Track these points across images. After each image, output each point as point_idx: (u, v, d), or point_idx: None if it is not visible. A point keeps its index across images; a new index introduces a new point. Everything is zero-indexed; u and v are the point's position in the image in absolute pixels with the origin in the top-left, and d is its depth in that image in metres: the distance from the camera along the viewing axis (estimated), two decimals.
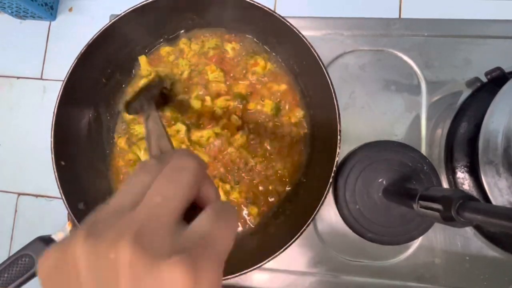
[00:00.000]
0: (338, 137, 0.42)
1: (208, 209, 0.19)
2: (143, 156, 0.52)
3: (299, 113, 0.52)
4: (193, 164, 0.20)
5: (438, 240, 0.49)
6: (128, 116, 0.55)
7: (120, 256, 0.16)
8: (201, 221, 0.19)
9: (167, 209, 0.18)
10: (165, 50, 0.55)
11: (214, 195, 0.21)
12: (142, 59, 0.55)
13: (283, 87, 0.53)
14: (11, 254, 0.44)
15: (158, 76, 0.54)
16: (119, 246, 0.16)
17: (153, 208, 0.18)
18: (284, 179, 0.52)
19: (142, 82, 0.54)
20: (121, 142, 0.54)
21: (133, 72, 0.56)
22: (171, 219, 0.18)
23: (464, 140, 0.46)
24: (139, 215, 0.17)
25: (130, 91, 0.55)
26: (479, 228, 0.47)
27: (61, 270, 0.17)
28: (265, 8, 0.45)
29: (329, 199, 0.46)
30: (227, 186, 0.51)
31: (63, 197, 0.44)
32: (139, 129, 0.54)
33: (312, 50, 0.44)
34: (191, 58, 0.55)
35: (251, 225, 0.51)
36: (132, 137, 0.54)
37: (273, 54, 0.54)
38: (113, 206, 0.19)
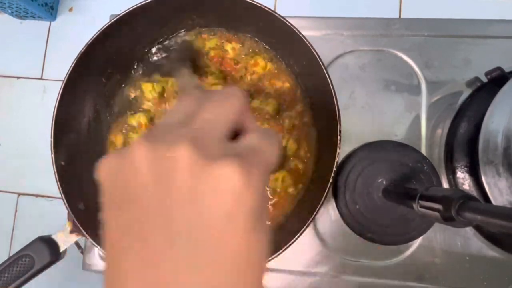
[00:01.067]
0: (338, 137, 0.42)
1: (254, 130, 0.21)
2: None
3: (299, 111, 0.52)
4: (239, 93, 0.22)
5: (438, 240, 0.49)
6: (130, 121, 0.55)
7: (178, 155, 0.17)
8: (249, 137, 0.20)
9: (218, 123, 0.20)
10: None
11: (255, 126, 0.22)
12: (147, 87, 0.55)
13: (287, 84, 0.53)
14: (11, 254, 0.44)
15: (188, 45, 0.54)
16: (177, 147, 0.17)
17: (205, 122, 0.19)
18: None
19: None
20: (117, 140, 0.54)
21: (133, 72, 0.56)
22: (222, 131, 0.19)
23: (464, 140, 0.46)
24: (194, 126, 0.19)
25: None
26: (479, 228, 0.47)
27: (121, 171, 0.18)
28: (265, 8, 0.45)
29: (329, 199, 0.46)
30: None
31: (63, 197, 0.44)
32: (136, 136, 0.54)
33: (312, 50, 0.44)
34: None
35: None
36: (128, 144, 0.54)
37: (274, 54, 0.54)
38: (166, 122, 0.20)
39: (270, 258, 0.41)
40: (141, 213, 0.17)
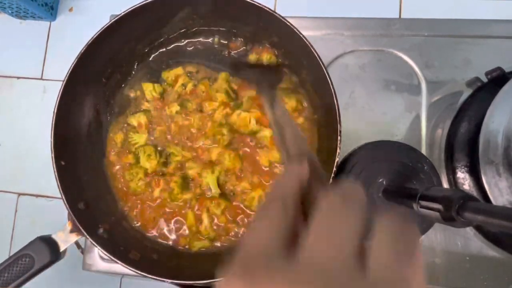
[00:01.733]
0: (338, 137, 0.42)
1: (380, 232, 0.15)
2: (144, 162, 0.52)
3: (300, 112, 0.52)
4: (362, 194, 0.16)
5: (438, 240, 0.49)
6: (130, 123, 0.55)
7: None
8: (378, 250, 0.15)
9: (341, 255, 0.14)
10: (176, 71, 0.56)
11: (383, 228, 0.16)
12: (147, 87, 0.55)
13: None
14: (11, 254, 0.44)
15: (281, 66, 0.51)
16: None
17: (319, 258, 0.14)
18: None
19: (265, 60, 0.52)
20: (117, 138, 0.54)
21: (133, 72, 0.56)
22: (348, 259, 0.14)
23: (464, 140, 0.46)
24: (302, 269, 0.14)
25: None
26: (479, 228, 0.47)
27: None
28: (265, 8, 0.45)
29: None
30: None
31: (63, 197, 0.44)
32: (138, 138, 0.54)
33: (312, 50, 0.44)
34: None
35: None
36: (130, 146, 0.54)
37: (275, 54, 0.54)
38: (263, 243, 0.16)
39: None
40: None
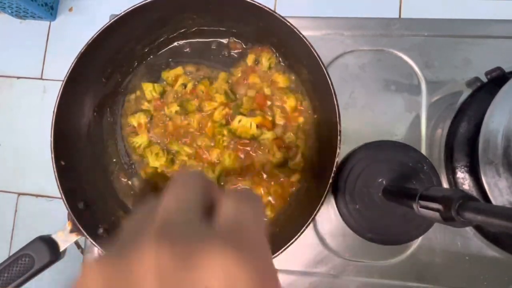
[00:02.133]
0: (338, 137, 0.42)
1: (228, 196, 0.18)
2: (154, 162, 0.52)
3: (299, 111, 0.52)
4: (199, 172, 0.20)
5: (438, 240, 0.49)
6: (131, 121, 0.55)
7: (144, 265, 0.14)
8: (225, 207, 0.18)
9: (186, 206, 0.17)
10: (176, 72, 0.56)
11: (227, 192, 0.20)
12: (147, 87, 0.55)
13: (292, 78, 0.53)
14: (11, 254, 0.44)
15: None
16: (140, 253, 0.14)
17: (170, 208, 0.17)
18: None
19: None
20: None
21: (133, 72, 0.56)
22: (194, 215, 0.16)
23: (464, 140, 0.46)
24: (158, 217, 0.16)
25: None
26: (479, 228, 0.47)
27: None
28: (265, 8, 0.45)
29: (329, 199, 0.46)
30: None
31: (63, 197, 0.44)
32: (139, 140, 0.54)
33: (312, 50, 0.44)
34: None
35: None
36: (135, 149, 0.54)
37: (275, 54, 0.54)
38: (130, 225, 0.18)
39: None
40: None
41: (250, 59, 0.54)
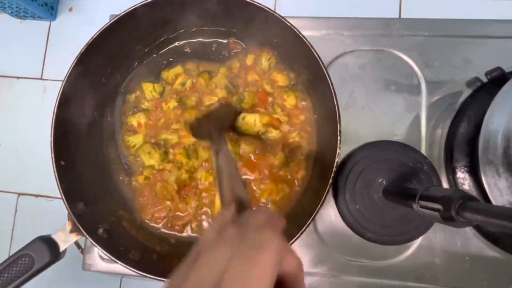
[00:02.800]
0: (338, 137, 0.42)
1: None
2: (148, 160, 0.52)
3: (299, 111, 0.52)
4: (276, 240, 0.19)
5: (438, 240, 0.49)
6: (130, 121, 0.55)
7: None
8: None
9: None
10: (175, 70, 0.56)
11: (296, 269, 0.20)
12: (147, 87, 0.55)
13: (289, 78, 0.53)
14: (11, 254, 0.44)
15: (229, 104, 0.53)
16: None
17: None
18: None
19: (212, 105, 0.54)
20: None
21: (133, 72, 0.56)
22: None
23: (464, 140, 0.46)
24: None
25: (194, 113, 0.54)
26: (479, 228, 0.47)
27: None
28: (265, 8, 0.45)
29: (329, 199, 0.46)
30: None
31: (63, 197, 0.44)
32: (134, 140, 0.54)
33: (312, 50, 0.44)
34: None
35: None
36: (129, 149, 0.54)
37: (275, 54, 0.54)
38: (196, 275, 0.18)
39: None
40: None
41: (249, 59, 0.54)
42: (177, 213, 0.52)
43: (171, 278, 0.19)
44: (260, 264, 0.17)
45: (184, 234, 0.52)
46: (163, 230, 0.52)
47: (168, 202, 0.52)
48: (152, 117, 0.55)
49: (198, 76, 0.54)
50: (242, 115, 0.52)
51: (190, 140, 0.53)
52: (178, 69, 0.55)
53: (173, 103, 0.54)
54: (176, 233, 0.52)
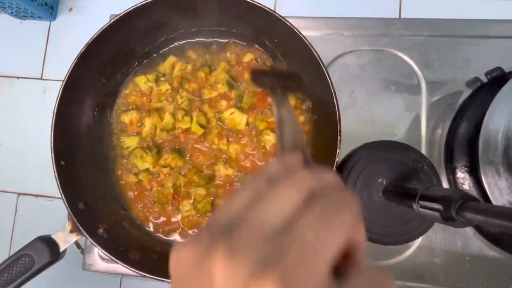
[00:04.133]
0: (338, 137, 0.42)
1: (368, 269, 0.16)
2: (142, 164, 0.52)
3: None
4: (356, 204, 0.17)
5: (438, 240, 0.49)
6: (123, 121, 0.55)
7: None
8: (362, 281, 0.15)
9: (322, 255, 0.14)
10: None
11: (363, 245, 0.17)
12: (140, 80, 0.55)
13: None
14: (11, 254, 0.44)
15: (298, 75, 0.53)
16: (265, 281, 0.13)
17: (306, 248, 0.14)
18: None
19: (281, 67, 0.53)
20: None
21: (133, 72, 0.56)
22: (324, 270, 0.14)
23: (464, 140, 0.46)
24: (290, 253, 0.14)
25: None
26: (479, 228, 0.47)
27: (195, 277, 0.15)
28: (265, 8, 0.45)
29: None
30: None
31: (63, 197, 0.44)
32: (129, 142, 0.54)
33: (312, 50, 0.44)
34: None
35: None
36: (123, 150, 0.54)
37: (276, 54, 0.54)
38: (258, 217, 0.16)
39: None
40: None
41: (247, 57, 0.54)
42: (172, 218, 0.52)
43: (219, 210, 0.17)
44: (340, 224, 0.15)
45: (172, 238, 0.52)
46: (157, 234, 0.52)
47: (162, 206, 0.52)
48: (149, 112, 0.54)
49: (198, 69, 0.54)
50: (231, 110, 0.52)
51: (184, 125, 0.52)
52: (171, 59, 0.55)
53: (165, 86, 0.54)
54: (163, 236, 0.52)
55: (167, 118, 0.52)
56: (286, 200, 0.16)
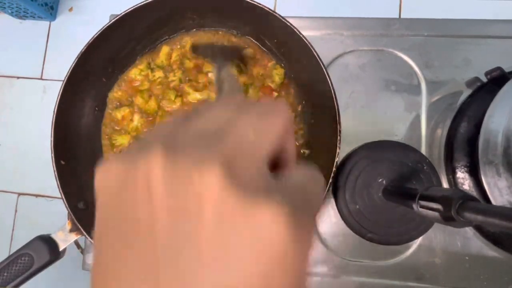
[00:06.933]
0: (338, 137, 0.42)
1: (300, 167, 0.17)
2: None
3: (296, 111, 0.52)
4: (286, 109, 0.17)
5: (438, 240, 0.49)
6: (115, 117, 0.54)
7: (207, 184, 0.12)
8: (295, 173, 0.16)
9: (260, 145, 0.15)
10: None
11: (294, 155, 0.18)
12: (135, 73, 0.55)
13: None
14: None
15: (240, 49, 0.52)
16: (206, 172, 0.12)
17: (244, 140, 0.14)
18: None
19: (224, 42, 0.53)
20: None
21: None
22: (264, 157, 0.15)
23: (464, 140, 0.46)
24: (228, 143, 0.14)
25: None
26: (479, 228, 0.47)
27: (127, 186, 0.14)
28: (265, 8, 0.45)
29: (329, 199, 0.46)
30: None
31: (63, 197, 0.44)
32: (121, 140, 0.53)
33: (312, 50, 0.44)
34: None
35: None
36: (114, 148, 0.54)
37: (276, 54, 0.54)
38: (195, 126, 0.15)
39: None
40: (143, 257, 0.13)
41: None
42: None
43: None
44: (272, 122, 0.16)
45: None
46: None
47: None
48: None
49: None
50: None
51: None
52: (164, 49, 0.55)
53: (159, 74, 0.53)
54: None
55: (152, 101, 0.52)
56: (224, 109, 0.16)
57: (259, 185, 0.13)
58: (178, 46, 0.55)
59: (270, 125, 0.16)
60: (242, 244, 0.12)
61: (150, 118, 0.53)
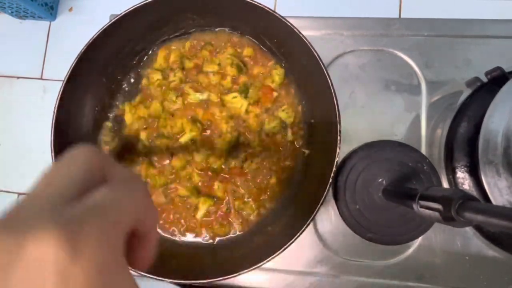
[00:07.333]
0: (338, 137, 0.42)
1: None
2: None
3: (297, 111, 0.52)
4: (145, 186, 0.19)
5: (438, 240, 0.49)
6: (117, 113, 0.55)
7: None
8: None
9: (117, 222, 0.16)
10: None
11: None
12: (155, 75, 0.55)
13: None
14: None
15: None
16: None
17: (101, 212, 0.15)
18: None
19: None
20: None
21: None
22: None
23: (464, 140, 0.46)
24: (83, 216, 0.15)
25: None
26: (479, 228, 0.47)
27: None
28: (265, 8, 0.45)
29: (329, 199, 0.46)
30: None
31: None
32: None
33: (312, 50, 0.44)
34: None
35: (251, 224, 0.51)
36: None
37: (276, 54, 0.54)
38: (48, 191, 0.18)
39: (270, 258, 0.41)
40: None
41: (247, 51, 0.54)
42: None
43: None
44: (131, 198, 0.17)
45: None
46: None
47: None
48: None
49: (202, 48, 0.54)
50: (234, 93, 0.51)
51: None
52: (161, 52, 0.54)
53: (157, 76, 0.53)
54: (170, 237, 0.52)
55: (155, 105, 0.52)
56: (77, 172, 0.17)
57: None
58: (176, 48, 0.55)
59: (130, 201, 0.17)
60: (23, 277, 0.13)
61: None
